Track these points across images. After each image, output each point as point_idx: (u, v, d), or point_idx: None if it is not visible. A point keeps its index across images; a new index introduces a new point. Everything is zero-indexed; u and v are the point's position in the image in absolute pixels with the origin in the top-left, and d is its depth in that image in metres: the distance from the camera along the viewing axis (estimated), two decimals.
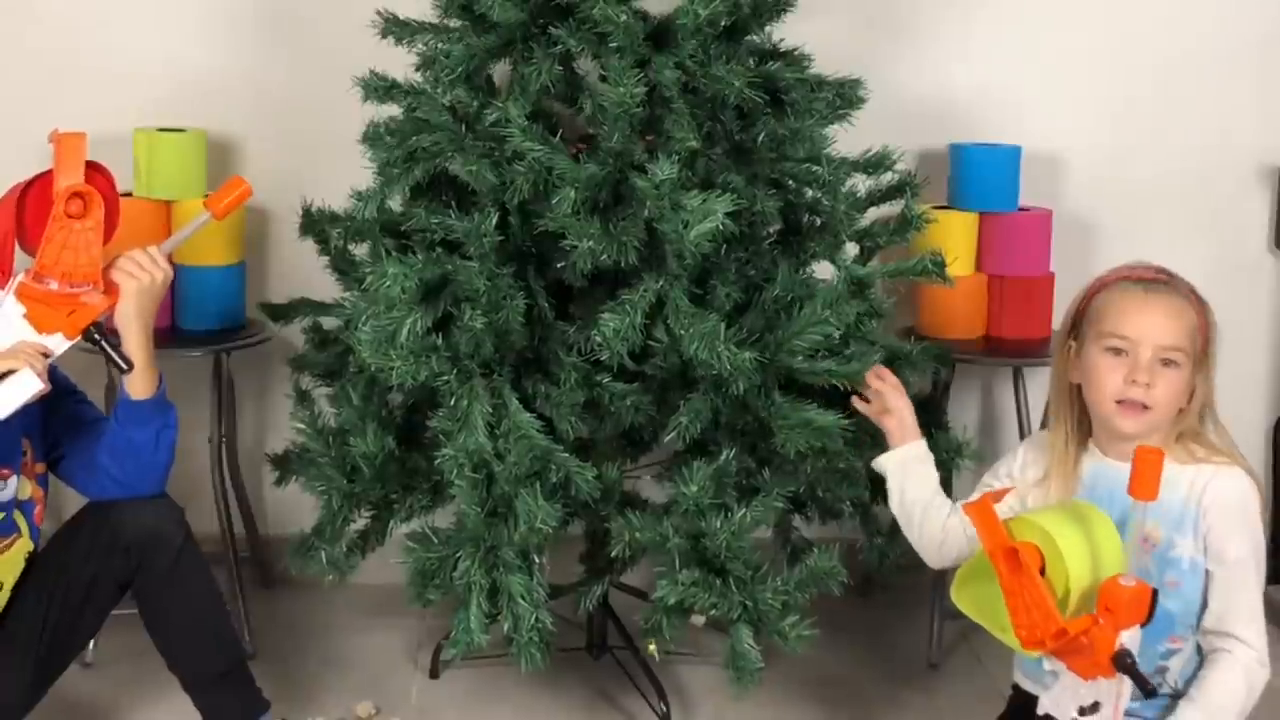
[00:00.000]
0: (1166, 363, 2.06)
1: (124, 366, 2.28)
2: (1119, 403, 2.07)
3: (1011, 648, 1.95)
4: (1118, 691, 1.89)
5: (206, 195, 2.41)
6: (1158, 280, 2.10)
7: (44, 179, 2.27)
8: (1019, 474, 2.23)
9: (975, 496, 2.24)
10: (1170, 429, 2.10)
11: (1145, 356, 2.05)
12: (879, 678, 2.98)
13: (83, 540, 2.35)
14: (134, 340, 2.31)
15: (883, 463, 2.36)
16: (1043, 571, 1.87)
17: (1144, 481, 1.84)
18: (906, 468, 2.33)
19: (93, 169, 2.28)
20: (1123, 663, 1.83)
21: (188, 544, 2.38)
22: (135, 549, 2.33)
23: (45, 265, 2.22)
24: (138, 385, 2.33)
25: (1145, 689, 1.85)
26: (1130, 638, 1.84)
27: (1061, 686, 1.93)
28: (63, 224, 2.22)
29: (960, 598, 2.01)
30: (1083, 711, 1.89)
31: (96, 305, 2.25)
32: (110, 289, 2.27)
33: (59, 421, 2.37)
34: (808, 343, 2.36)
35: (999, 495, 1.98)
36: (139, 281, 2.28)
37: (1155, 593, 1.84)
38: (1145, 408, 2.06)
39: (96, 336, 2.26)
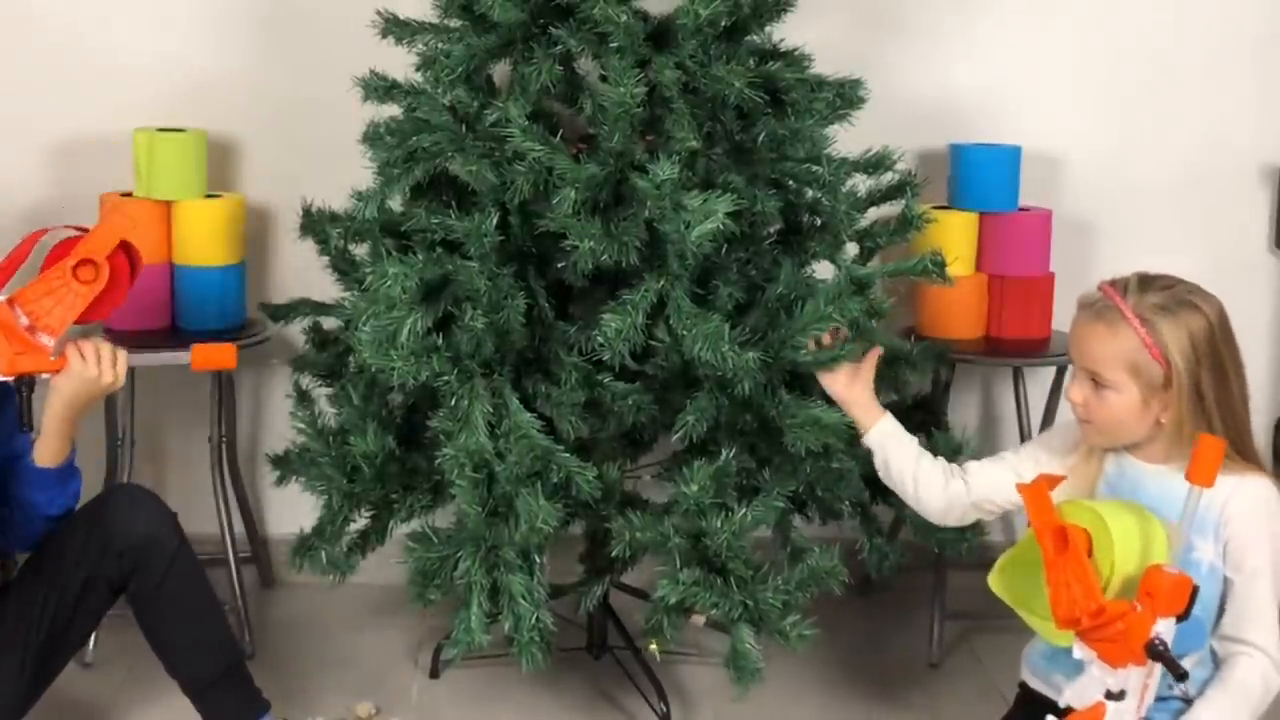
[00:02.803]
0: (1099, 384, 2.09)
1: (26, 426, 2.26)
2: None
3: (1044, 636, 1.98)
4: (1145, 682, 1.90)
5: (195, 346, 2.39)
6: (1105, 300, 2.09)
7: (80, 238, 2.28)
8: (1047, 459, 2.24)
9: (990, 463, 2.32)
10: (1171, 441, 2.09)
11: (1077, 377, 2.13)
12: (879, 678, 2.99)
13: (75, 544, 2.35)
14: (52, 411, 2.29)
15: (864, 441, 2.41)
16: (1089, 555, 1.89)
17: (1202, 466, 1.87)
18: (885, 443, 2.37)
19: (126, 249, 2.29)
20: (1155, 650, 1.83)
21: (182, 548, 2.39)
22: (129, 554, 2.34)
23: (25, 297, 2.22)
24: (43, 453, 2.31)
25: (1177, 673, 1.86)
26: (1165, 629, 1.85)
27: (1089, 677, 1.93)
28: (63, 275, 2.23)
29: (997, 583, 2.04)
30: (1109, 696, 1.89)
31: (43, 364, 2.24)
32: (61, 356, 2.25)
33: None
34: (812, 338, 2.36)
35: (1054, 481, 1.98)
36: (85, 370, 2.25)
37: (1196, 588, 1.85)
38: (1086, 420, 2.13)
39: (23, 388, 2.24)
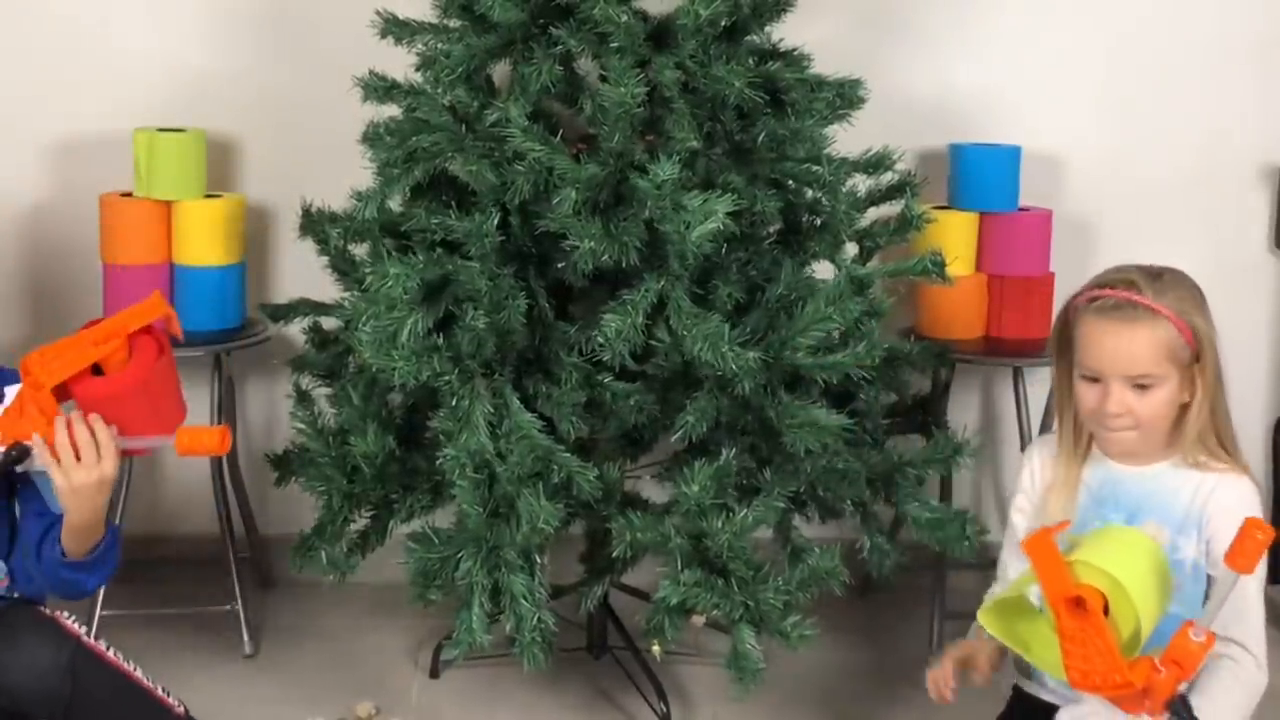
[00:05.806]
0: (1142, 387, 2.04)
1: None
2: (1105, 424, 2.07)
3: (1051, 674, 1.90)
4: None
5: (178, 430, 2.12)
6: (1127, 302, 2.03)
7: (150, 330, 2.11)
8: (1030, 482, 2.22)
9: (1015, 556, 2.20)
10: (1173, 434, 2.08)
11: (1115, 388, 2.04)
12: (879, 678, 2.98)
13: None
14: (71, 515, 2.04)
15: None
16: (1105, 612, 1.80)
17: (1245, 554, 1.78)
18: None
19: (158, 343, 2.10)
20: (1179, 710, 1.79)
21: (78, 681, 2.08)
22: (15, 707, 2.06)
23: (43, 358, 2.03)
24: (69, 544, 2.09)
25: None
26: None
27: (1091, 710, 1.91)
28: (82, 336, 2.05)
29: (989, 621, 1.94)
30: None
31: (37, 427, 2.02)
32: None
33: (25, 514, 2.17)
34: (812, 340, 2.36)
35: (1059, 528, 1.90)
36: (61, 467, 1.97)
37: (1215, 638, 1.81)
38: (1131, 427, 2.06)
39: (14, 462, 2.05)
